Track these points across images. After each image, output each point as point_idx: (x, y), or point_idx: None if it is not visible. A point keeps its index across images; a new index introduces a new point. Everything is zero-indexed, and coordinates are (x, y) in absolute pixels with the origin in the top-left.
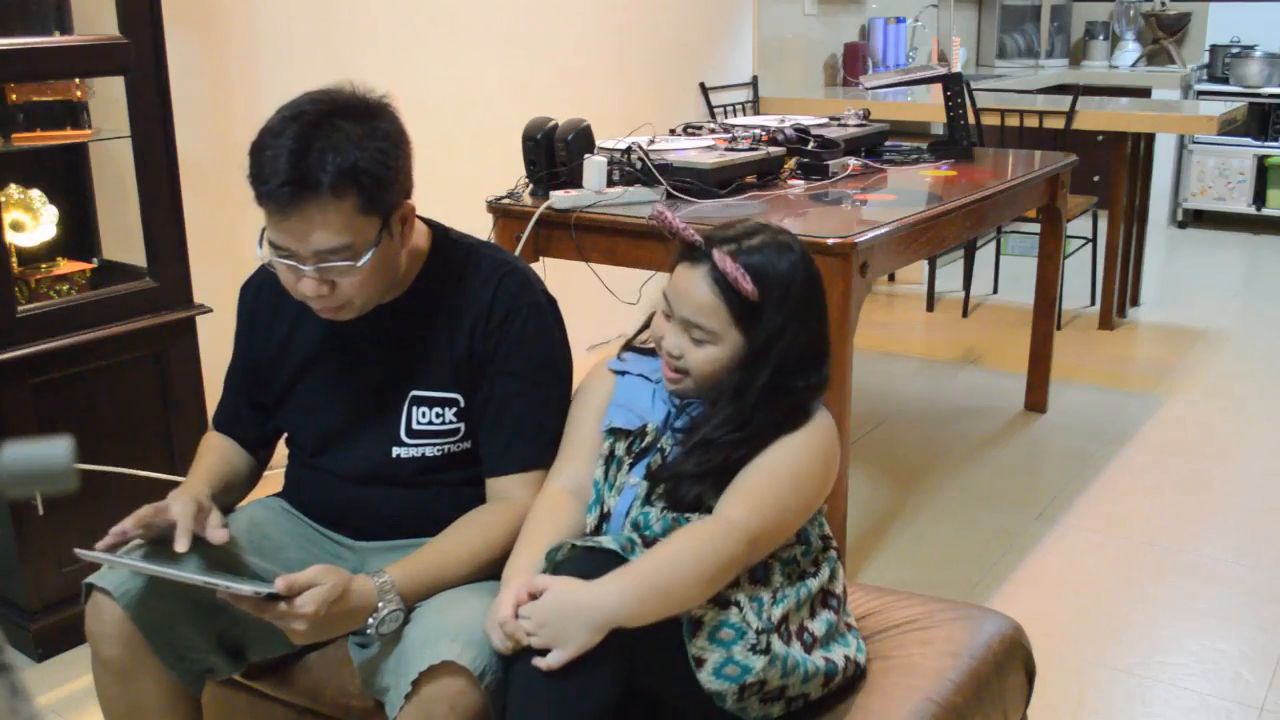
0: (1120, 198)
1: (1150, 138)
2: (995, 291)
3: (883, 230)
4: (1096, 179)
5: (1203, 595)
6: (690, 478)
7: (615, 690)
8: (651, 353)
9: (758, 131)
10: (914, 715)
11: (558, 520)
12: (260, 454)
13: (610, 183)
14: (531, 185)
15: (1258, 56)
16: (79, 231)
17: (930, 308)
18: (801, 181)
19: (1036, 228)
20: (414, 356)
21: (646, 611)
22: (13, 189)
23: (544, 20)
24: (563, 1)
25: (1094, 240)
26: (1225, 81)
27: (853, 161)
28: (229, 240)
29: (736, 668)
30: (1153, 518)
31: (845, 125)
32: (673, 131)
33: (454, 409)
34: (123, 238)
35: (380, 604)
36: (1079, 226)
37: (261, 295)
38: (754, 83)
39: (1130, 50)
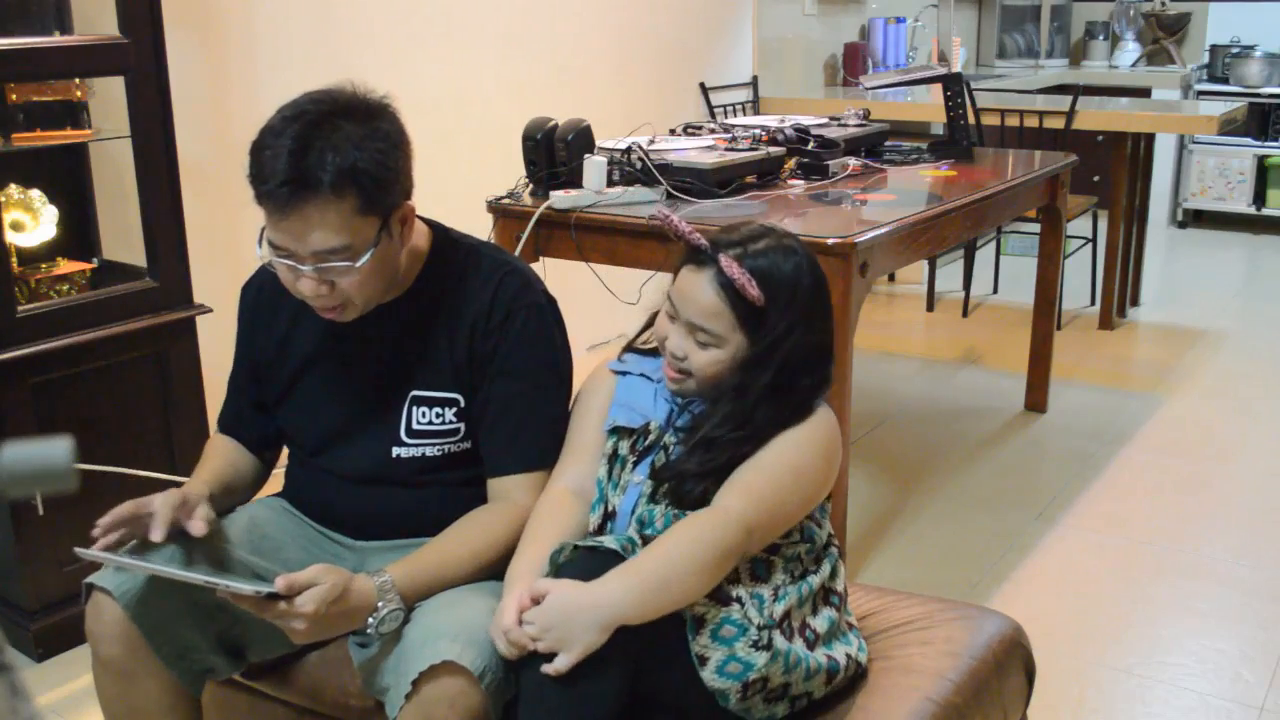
0: (1120, 198)
1: (1150, 138)
2: (995, 291)
3: (883, 230)
4: (1096, 179)
5: (1203, 595)
6: (693, 476)
7: (624, 692)
8: (652, 353)
9: (758, 131)
10: (914, 715)
11: (560, 522)
12: (265, 454)
13: (610, 183)
14: (531, 185)
15: (1258, 56)
16: (79, 231)
17: (930, 308)
18: (801, 181)
19: (1036, 228)
20: (414, 356)
21: (649, 606)
22: (13, 189)
23: (544, 20)
24: (562, 1)
25: (1094, 240)
26: (1225, 81)
27: (853, 161)
28: (229, 240)
29: (739, 665)
30: (1153, 518)
31: (845, 125)
32: (673, 131)
33: (454, 409)
34: (123, 238)
35: (380, 603)
36: (1079, 226)
37: (262, 295)
38: (754, 83)
39: (1130, 50)
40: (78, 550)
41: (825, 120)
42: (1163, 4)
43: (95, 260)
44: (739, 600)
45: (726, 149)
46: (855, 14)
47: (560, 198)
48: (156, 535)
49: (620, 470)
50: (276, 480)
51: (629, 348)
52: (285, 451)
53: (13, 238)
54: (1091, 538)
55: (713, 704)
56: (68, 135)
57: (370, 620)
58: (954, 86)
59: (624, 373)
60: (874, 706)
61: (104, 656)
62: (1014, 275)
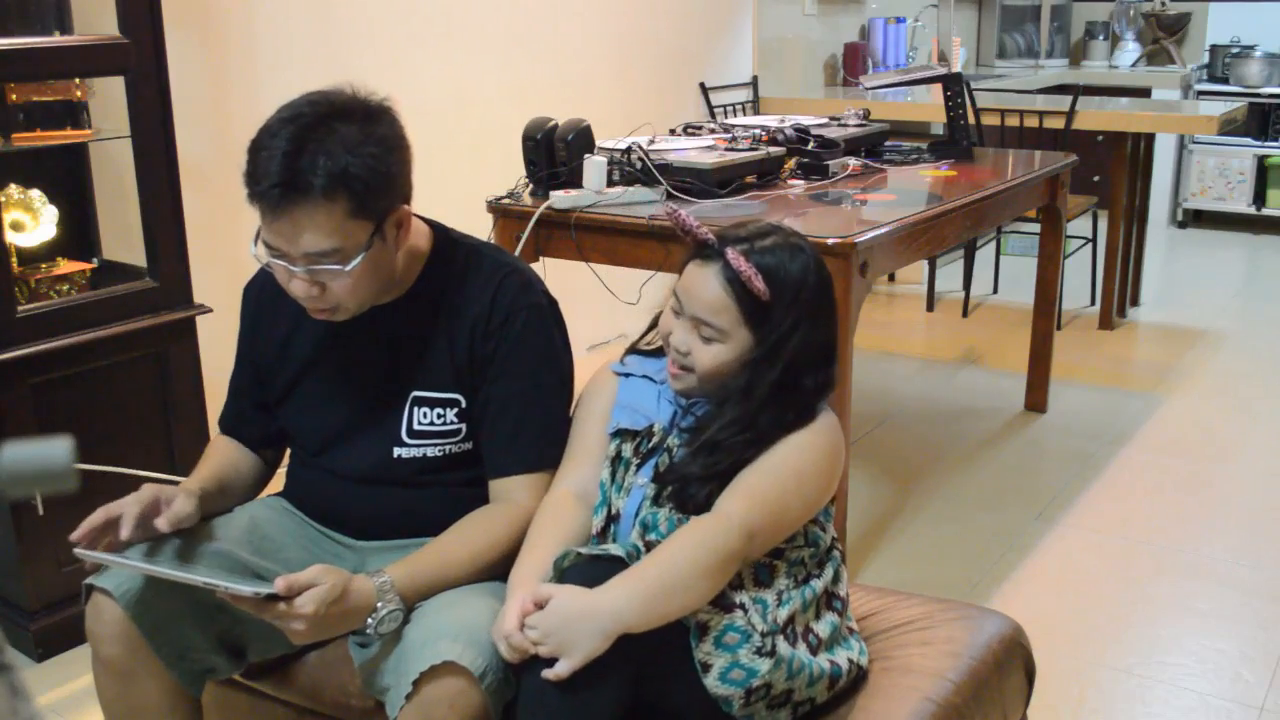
0: (1120, 198)
1: (1150, 138)
2: (995, 291)
3: (883, 230)
4: (1096, 179)
5: (1203, 595)
6: (696, 480)
7: (624, 698)
8: (655, 354)
9: (758, 131)
10: (914, 715)
11: (563, 525)
12: (267, 454)
13: (610, 183)
14: (531, 185)
15: (1258, 56)
16: (79, 231)
17: (930, 308)
18: (801, 181)
19: (1036, 228)
20: (415, 357)
21: (652, 614)
22: (13, 189)
23: (544, 20)
24: (562, 2)
25: (1094, 240)
26: (1225, 81)
27: (853, 161)
28: (229, 240)
29: (742, 671)
30: (1153, 518)
31: (845, 125)
32: (673, 131)
33: (455, 410)
34: (123, 238)
35: (379, 604)
36: (1079, 226)
37: (264, 296)
38: (754, 83)
39: (1130, 50)
40: (78, 551)
41: (825, 120)
42: (1163, 4)
43: (95, 260)
44: (742, 606)
45: (726, 149)
46: (855, 14)
47: (560, 198)
48: (124, 533)
49: (623, 473)
50: (277, 480)
51: (632, 349)
52: (287, 451)
53: (13, 238)
54: (1091, 538)
55: (716, 710)
56: (68, 135)
57: (369, 621)
58: (954, 86)
59: (627, 374)
60: (874, 707)
61: (104, 656)
62: (1014, 275)
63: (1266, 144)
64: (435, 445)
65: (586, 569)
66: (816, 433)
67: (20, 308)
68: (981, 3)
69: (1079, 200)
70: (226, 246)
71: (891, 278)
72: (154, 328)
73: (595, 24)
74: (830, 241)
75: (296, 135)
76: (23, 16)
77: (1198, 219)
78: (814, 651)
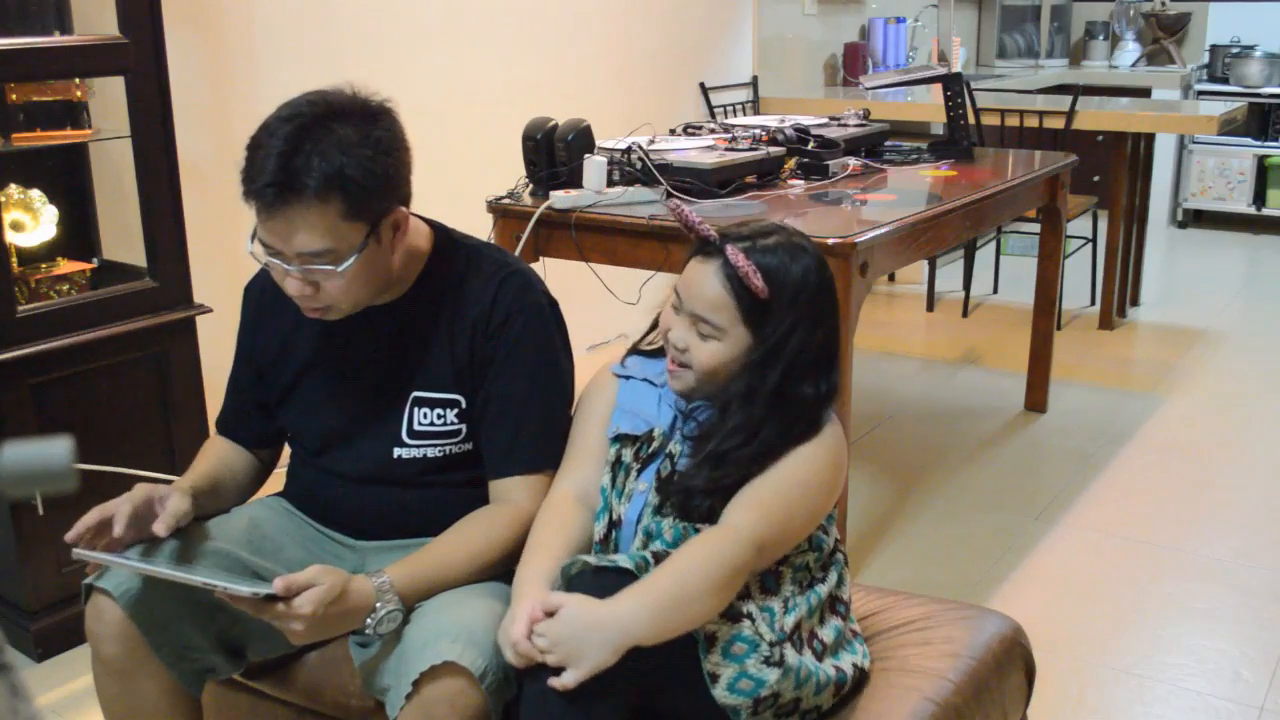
0: (1120, 198)
1: (1150, 138)
2: (995, 291)
3: (883, 230)
4: (1096, 179)
5: (1203, 595)
6: (701, 492)
7: (628, 707)
8: (656, 355)
9: (758, 131)
10: (914, 715)
11: (567, 529)
12: (264, 454)
13: (610, 183)
14: (531, 185)
15: (1258, 56)
16: (79, 231)
17: (930, 308)
18: (801, 181)
19: (1036, 228)
20: (415, 357)
21: (662, 628)
22: (13, 189)
23: (544, 20)
24: (563, 2)
25: (1094, 240)
26: (1225, 81)
27: (853, 161)
28: (229, 240)
29: (750, 681)
30: (1153, 518)
31: (845, 125)
32: (673, 131)
33: (455, 410)
34: (123, 238)
35: (378, 604)
36: (1079, 226)
37: (265, 296)
38: (754, 83)
39: (1130, 50)
40: (76, 551)
41: (825, 120)
42: (1163, 4)
43: (95, 260)
44: (749, 616)
45: (726, 149)
46: (855, 14)
47: (560, 198)
48: (117, 530)
49: (624, 478)
50: (277, 480)
51: (633, 350)
52: (287, 450)
53: (13, 238)
54: (1091, 538)
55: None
56: (68, 135)
57: (368, 621)
58: (954, 86)
59: (627, 377)
60: (874, 707)
61: (104, 656)
62: (1014, 275)
63: (1266, 144)
64: (435, 446)
65: (596, 579)
66: (821, 443)
67: (20, 308)
68: (981, 3)
69: (1079, 200)
70: (226, 246)
71: (891, 278)
72: (154, 328)
73: (595, 24)
74: (830, 241)
75: (293, 135)
76: (23, 16)
77: (1198, 219)
78: (819, 658)
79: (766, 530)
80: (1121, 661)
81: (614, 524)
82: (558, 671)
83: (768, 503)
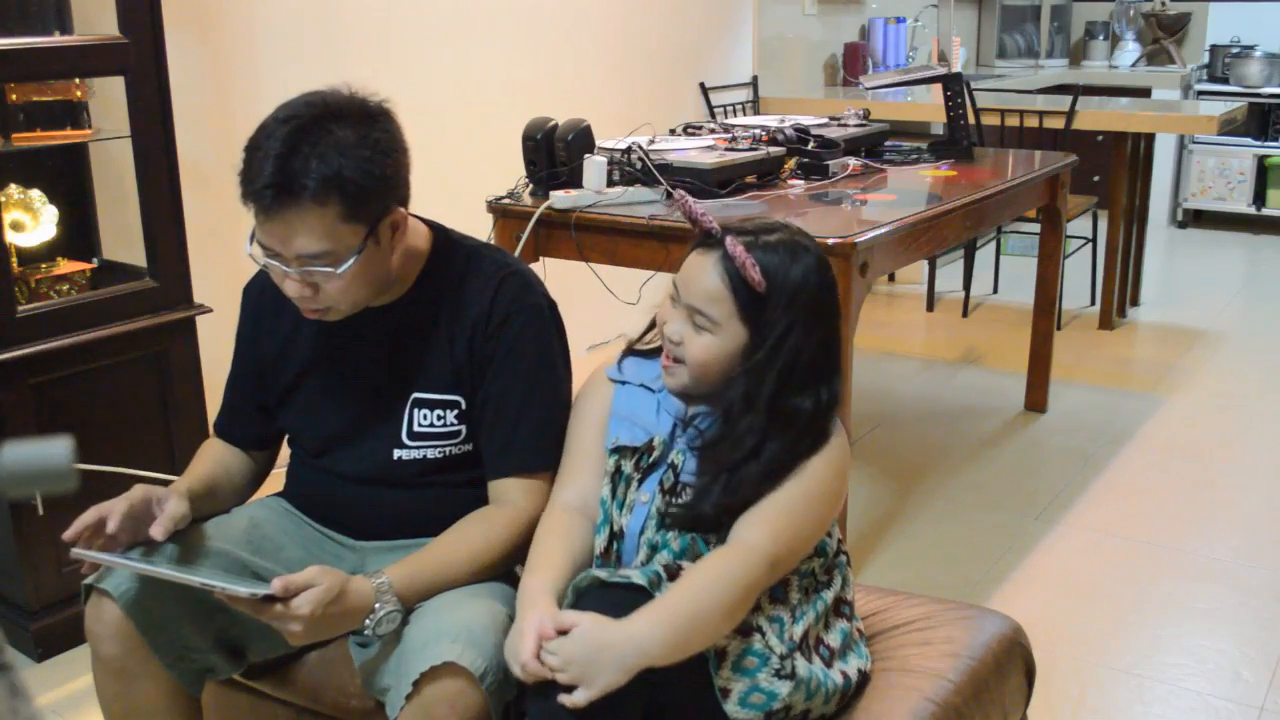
0: (1120, 198)
1: (1150, 138)
2: (995, 291)
3: (883, 230)
4: (1096, 179)
5: (1203, 595)
6: (712, 519)
7: None
8: (653, 354)
9: (758, 131)
10: (914, 715)
11: (569, 541)
12: (263, 455)
13: (610, 183)
14: (531, 185)
15: (1258, 56)
16: (79, 231)
17: (930, 308)
18: (801, 181)
19: (1036, 228)
20: (415, 358)
21: (676, 649)
22: (13, 189)
23: (544, 20)
24: (563, 1)
25: (1094, 240)
26: (1225, 81)
27: (853, 161)
28: (229, 240)
29: (762, 695)
30: (1153, 518)
31: (845, 125)
32: (673, 131)
33: (455, 411)
34: (123, 238)
35: (377, 605)
36: (1079, 226)
37: (264, 296)
38: (754, 83)
39: (1130, 50)
40: (75, 551)
41: (825, 120)
42: (1163, 4)
43: (95, 260)
44: (759, 630)
45: (726, 149)
46: (855, 14)
47: (560, 198)
48: (111, 527)
49: (624, 489)
50: (277, 480)
51: (630, 349)
52: (288, 450)
53: (13, 238)
54: (1091, 538)
55: None
56: (68, 135)
57: (367, 622)
58: (954, 86)
59: (623, 382)
60: (873, 707)
61: (104, 656)
62: (1014, 275)
63: (1266, 144)
64: (435, 447)
65: (608, 596)
66: (828, 454)
67: (20, 308)
68: (981, 3)
69: (1079, 200)
70: (226, 246)
71: (891, 278)
72: (154, 328)
73: (595, 24)
74: (830, 241)
75: (291, 137)
76: (23, 16)
77: (1198, 219)
78: (828, 664)
79: (779, 546)
80: (1121, 661)
81: (615, 536)
82: (566, 687)
83: (779, 519)
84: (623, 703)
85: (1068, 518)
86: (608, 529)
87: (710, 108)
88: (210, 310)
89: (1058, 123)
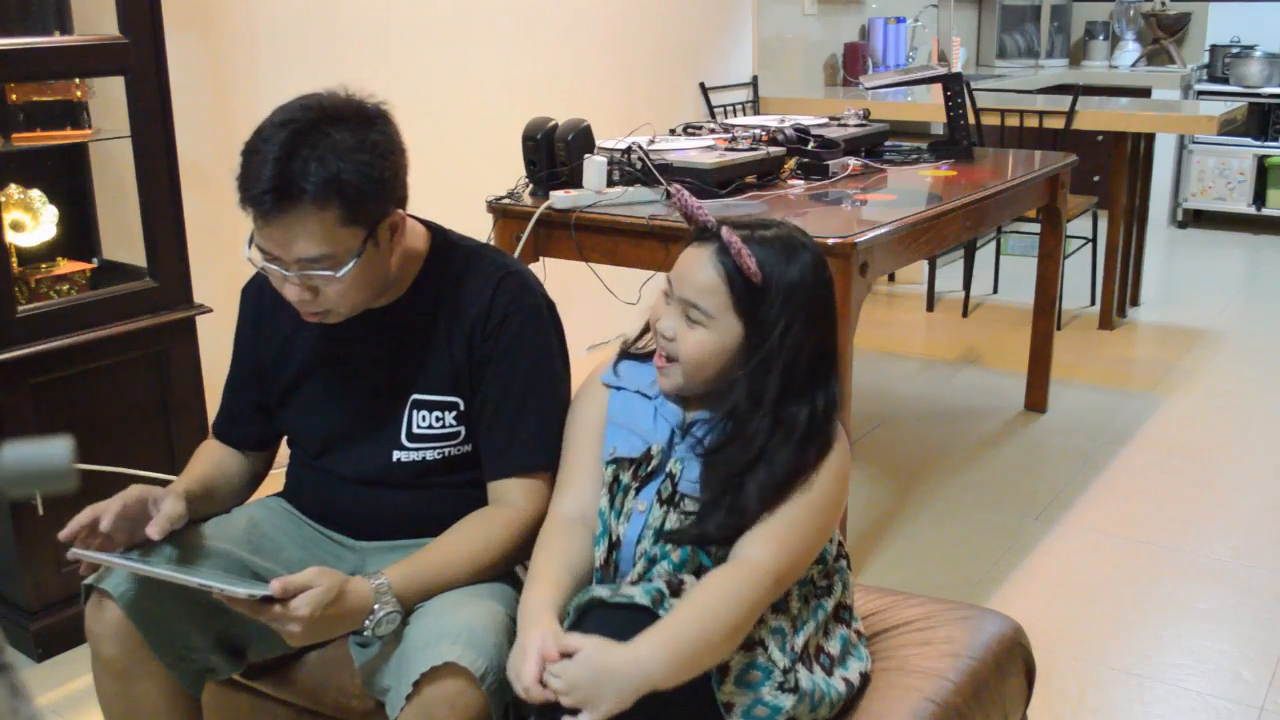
0: (1120, 198)
1: (1150, 138)
2: (995, 291)
3: (883, 230)
4: (1096, 179)
5: (1203, 595)
6: (714, 539)
7: None
8: (648, 357)
9: (758, 131)
10: (914, 715)
11: (568, 554)
12: (260, 457)
13: (610, 183)
14: (531, 185)
15: (1258, 56)
16: (79, 231)
17: (930, 308)
18: (801, 181)
19: (1036, 228)
20: (414, 360)
21: (680, 672)
22: (13, 189)
23: (544, 20)
24: (563, 1)
25: (1094, 240)
26: (1225, 81)
27: (853, 161)
28: (229, 240)
29: (766, 709)
30: (1153, 518)
31: (845, 125)
32: (673, 131)
33: (454, 413)
34: (123, 238)
35: (376, 606)
36: (1079, 226)
37: (263, 297)
38: (754, 83)
39: (1130, 50)
40: (73, 551)
41: (825, 120)
42: (1163, 4)
43: (95, 260)
44: (762, 644)
45: (726, 149)
46: (855, 14)
47: (560, 198)
48: (104, 524)
49: (622, 498)
50: (277, 480)
51: (625, 352)
52: (287, 451)
53: (13, 238)
54: (1091, 538)
55: None
56: (68, 135)
57: (366, 623)
58: (954, 86)
59: (619, 388)
60: (873, 708)
61: (103, 656)
62: (1014, 275)
63: (1266, 144)
64: (435, 449)
65: (611, 618)
66: (831, 465)
67: (20, 308)
68: (981, 3)
69: (1079, 200)
70: (226, 246)
71: (891, 278)
72: (154, 328)
73: (595, 24)
74: (830, 241)
75: (289, 141)
76: (23, 16)
77: (1198, 219)
78: (828, 672)
79: (784, 564)
80: (1121, 661)
81: (614, 545)
82: (570, 709)
83: (785, 535)
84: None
85: (1068, 518)
86: (607, 540)
87: (710, 108)
88: (210, 310)
89: (1058, 123)
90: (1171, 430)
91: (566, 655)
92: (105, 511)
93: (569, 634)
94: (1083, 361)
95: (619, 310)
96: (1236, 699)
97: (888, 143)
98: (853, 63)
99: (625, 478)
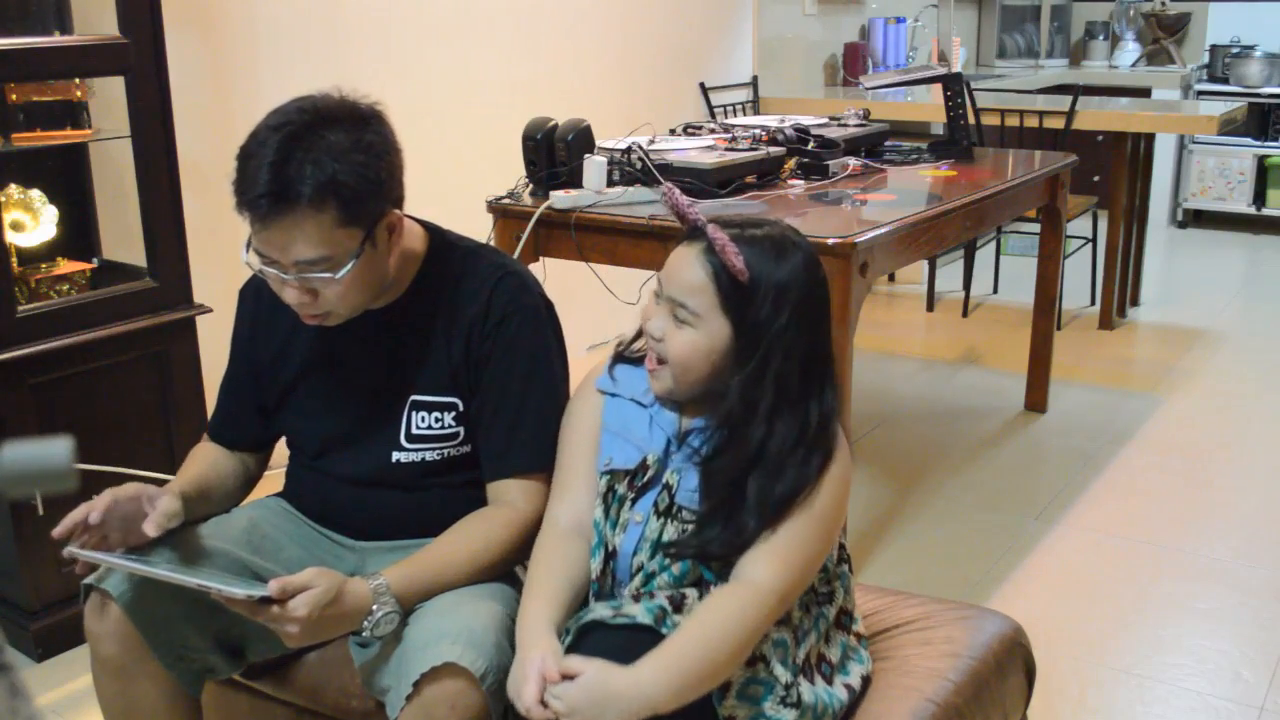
0: (1120, 198)
1: (1150, 138)
2: (995, 291)
3: (883, 230)
4: (1096, 179)
5: (1203, 595)
6: (716, 557)
7: None
8: (643, 361)
9: (758, 131)
10: (914, 715)
11: (565, 566)
12: (256, 459)
13: (610, 183)
14: (531, 185)
15: (1258, 56)
16: (79, 231)
17: (930, 308)
18: (801, 181)
19: (1036, 228)
20: (413, 360)
21: (682, 696)
22: (13, 189)
23: (544, 20)
24: (563, 1)
25: (1094, 240)
26: (1225, 81)
27: (853, 161)
28: (229, 240)
29: None
30: (1153, 518)
31: (845, 125)
32: (673, 131)
33: (453, 413)
34: (123, 238)
35: (375, 606)
36: (1079, 226)
37: (261, 299)
38: (754, 83)
39: (1130, 50)
40: (68, 549)
41: (825, 120)
42: (1163, 4)
43: (95, 260)
44: (764, 659)
45: (726, 149)
46: (855, 14)
47: (560, 198)
48: (93, 518)
49: (618, 509)
50: (276, 480)
51: (620, 356)
52: (284, 452)
53: (13, 238)
54: (1091, 538)
55: None
56: (68, 135)
57: (365, 623)
58: (954, 86)
59: (614, 394)
60: (873, 708)
61: (103, 656)
62: (1014, 275)
63: (1266, 144)
64: (434, 449)
65: (613, 640)
66: (833, 474)
67: (20, 308)
68: (981, 3)
69: (1079, 200)
70: (226, 246)
71: (891, 278)
72: (154, 328)
73: (595, 24)
74: (830, 241)
75: (284, 144)
76: (23, 16)
77: (1198, 219)
78: (829, 680)
79: (789, 582)
80: (1121, 661)
81: (610, 556)
82: None
83: (789, 552)
84: None
85: (1067, 518)
86: (603, 551)
87: (710, 108)
88: (210, 310)
89: (1058, 123)
90: (1171, 430)
91: (568, 677)
92: (94, 507)
93: (571, 656)
94: (1083, 361)
95: (619, 310)
96: (1236, 699)
97: (888, 143)
98: (853, 63)
99: (620, 488)
